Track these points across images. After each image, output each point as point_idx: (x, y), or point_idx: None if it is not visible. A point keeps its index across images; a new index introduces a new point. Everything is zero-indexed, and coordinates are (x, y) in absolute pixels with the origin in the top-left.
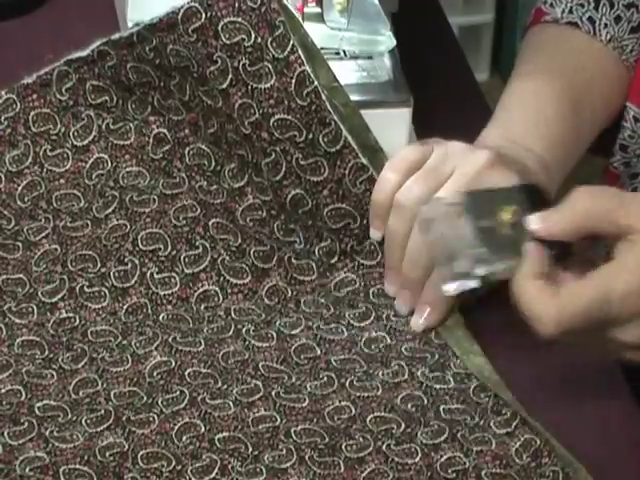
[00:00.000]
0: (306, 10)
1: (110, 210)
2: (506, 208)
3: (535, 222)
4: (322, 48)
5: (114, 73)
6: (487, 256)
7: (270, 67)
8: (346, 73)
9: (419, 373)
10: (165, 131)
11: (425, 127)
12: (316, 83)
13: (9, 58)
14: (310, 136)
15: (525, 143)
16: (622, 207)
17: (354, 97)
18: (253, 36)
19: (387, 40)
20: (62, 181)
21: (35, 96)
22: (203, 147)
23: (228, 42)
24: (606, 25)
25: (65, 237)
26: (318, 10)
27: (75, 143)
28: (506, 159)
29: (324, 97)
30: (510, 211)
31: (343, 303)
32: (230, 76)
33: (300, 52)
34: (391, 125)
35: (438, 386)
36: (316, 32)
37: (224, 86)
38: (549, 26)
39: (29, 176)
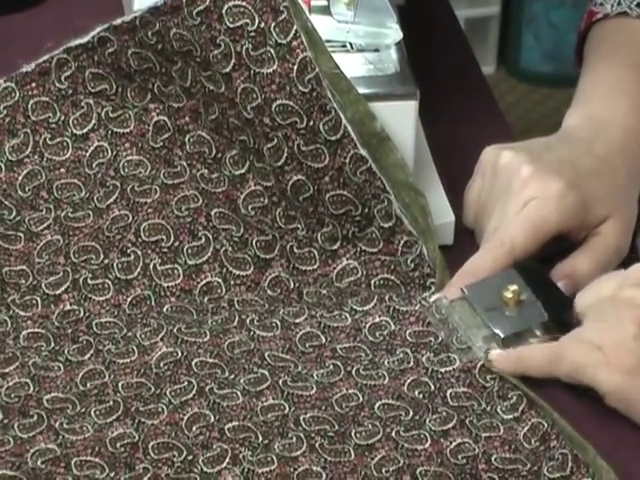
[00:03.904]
0: (313, 3)
1: (111, 200)
2: (507, 289)
3: None
4: (329, 41)
5: (114, 60)
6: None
7: (273, 52)
8: (353, 66)
9: (424, 359)
10: (165, 119)
11: (431, 120)
12: (317, 70)
13: (15, 51)
14: (311, 123)
15: (604, 115)
16: None
17: (360, 90)
18: (257, 20)
19: (394, 33)
20: (62, 170)
21: (34, 84)
22: (203, 134)
23: (232, 26)
24: None
25: (67, 227)
26: (325, 3)
27: (75, 131)
28: (552, 165)
29: (325, 84)
30: (511, 290)
31: (345, 293)
32: (233, 60)
33: (303, 38)
34: (397, 118)
35: (444, 369)
36: (323, 25)
37: (227, 70)
38: (602, 24)
39: (29, 165)
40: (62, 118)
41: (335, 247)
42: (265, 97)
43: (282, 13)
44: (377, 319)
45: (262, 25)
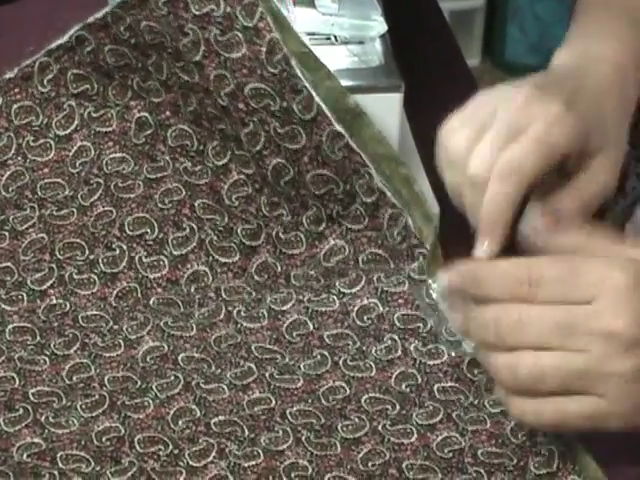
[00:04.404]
0: None
1: (95, 197)
2: None
3: None
4: (313, 33)
5: (93, 59)
6: None
7: (240, 36)
8: (337, 58)
9: (412, 348)
10: (147, 115)
11: (416, 112)
12: (285, 50)
13: (1, 46)
14: (284, 104)
15: (594, 51)
16: None
17: (345, 82)
18: (222, 6)
19: (378, 25)
20: (46, 170)
21: (17, 89)
22: (185, 127)
23: (198, 13)
24: None
25: (51, 226)
26: None
27: (58, 133)
28: (552, 88)
29: (294, 64)
30: None
31: (333, 273)
32: (202, 47)
33: (269, 19)
34: (382, 110)
35: (432, 362)
36: (307, 17)
37: (197, 58)
38: None
39: (13, 167)
40: (45, 121)
41: (321, 229)
42: (237, 82)
43: None
44: (365, 301)
45: (228, 10)
